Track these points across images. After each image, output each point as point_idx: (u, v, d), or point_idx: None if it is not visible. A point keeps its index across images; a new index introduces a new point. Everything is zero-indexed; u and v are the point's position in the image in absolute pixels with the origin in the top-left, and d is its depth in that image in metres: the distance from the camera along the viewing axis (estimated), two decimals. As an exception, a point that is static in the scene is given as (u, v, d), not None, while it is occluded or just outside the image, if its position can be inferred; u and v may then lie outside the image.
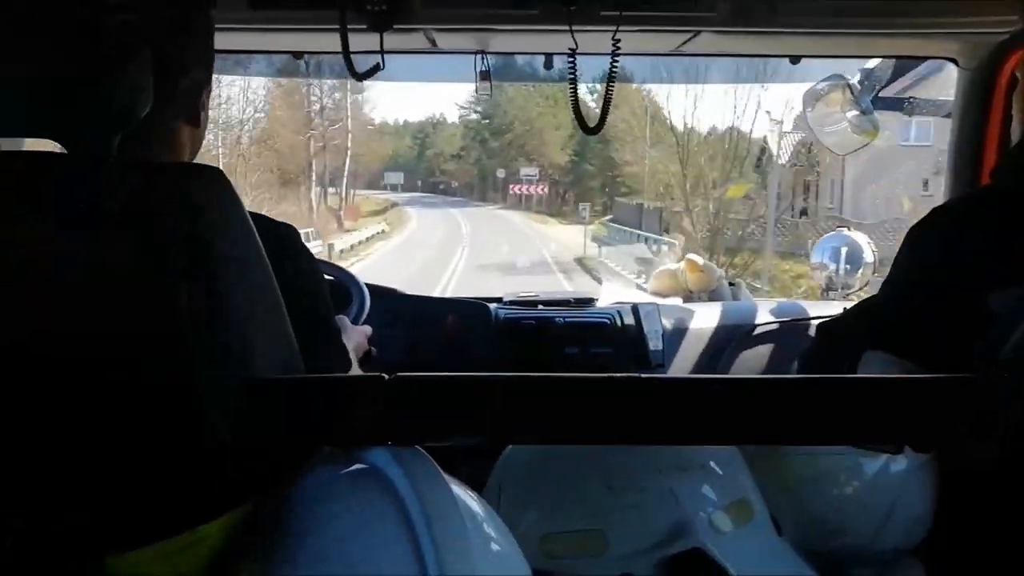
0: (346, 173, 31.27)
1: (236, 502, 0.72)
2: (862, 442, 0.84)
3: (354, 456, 0.73)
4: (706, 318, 2.01)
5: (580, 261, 19.67)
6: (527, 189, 36.52)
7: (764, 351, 1.97)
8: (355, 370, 1.17)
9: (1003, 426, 0.72)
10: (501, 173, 41.28)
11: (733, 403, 0.72)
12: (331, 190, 30.55)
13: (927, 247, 1.09)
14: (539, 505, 0.93)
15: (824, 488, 1.03)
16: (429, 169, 51.65)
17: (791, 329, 1.96)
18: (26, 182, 0.71)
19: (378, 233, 27.40)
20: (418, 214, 35.96)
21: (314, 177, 28.50)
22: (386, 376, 0.71)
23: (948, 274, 1.02)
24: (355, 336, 1.32)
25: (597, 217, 29.95)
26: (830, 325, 1.27)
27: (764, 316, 2.00)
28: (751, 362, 1.96)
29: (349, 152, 31.33)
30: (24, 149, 0.83)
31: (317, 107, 28.45)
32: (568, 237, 26.14)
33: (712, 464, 0.94)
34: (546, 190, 37.01)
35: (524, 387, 0.74)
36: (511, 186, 37.89)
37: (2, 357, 0.67)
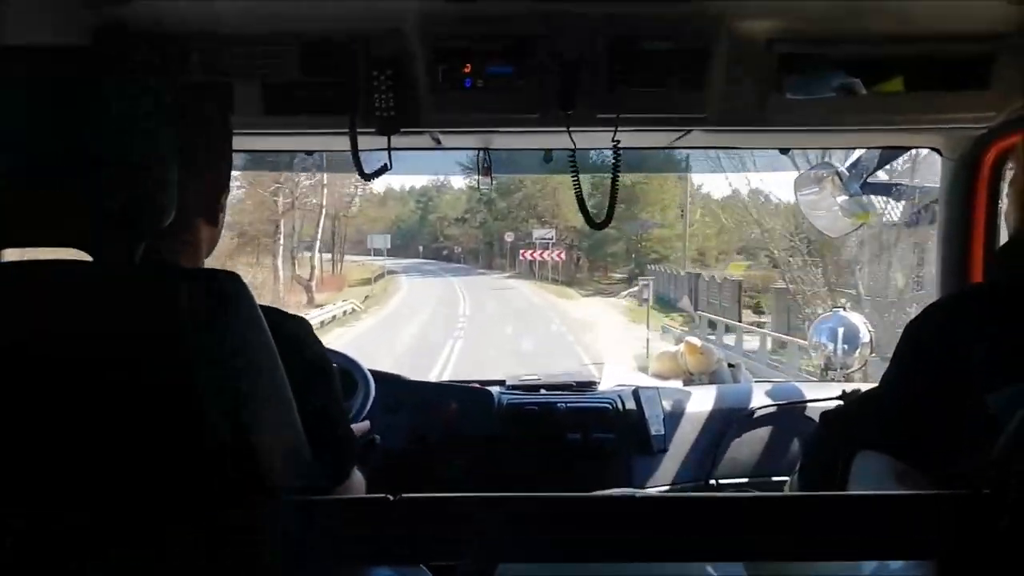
0: (319, 236, 27.08)
1: None
2: (863, 557, 0.85)
3: (360, 573, 0.74)
4: (706, 401, 2.03)
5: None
6: (540, 255, 32.86)
7: (763, 433, 1.97)
8: (356, 475, 1.17)
9: (1002, 537, 0.73)
10: (510, 237, 38.24)
11: (730, 520, 0.73)
12: (310, 254, 27.10)
13: (923, 345, 1.11)
14: None
15: None
16: (432, 234, 49.82)
17: (790, 412, 1.97)
18: (54, 290, 0.73)
19: (347, 312, 21.26)
20: (410, 284, 31.69)
21: (281, 240, 24.39)
22: (391, 497, 0.72)
23: (944, 372, 1.03)
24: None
25: (623, 287, 27.63)
26: (833, 416, 1.29)
27: (763, 399, 2.01)
28: (751, 444, 1.97)
29: (324, 211, 27.33)
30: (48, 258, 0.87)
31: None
32: (602, 316, 20.89)
33: (710, 570, 0.94)
34: (563, 256, 33.21)
35: (528, 506, 0.75)
36: (522, 252, 34.65)
37: (29, 464, 0.69)
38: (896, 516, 0.73)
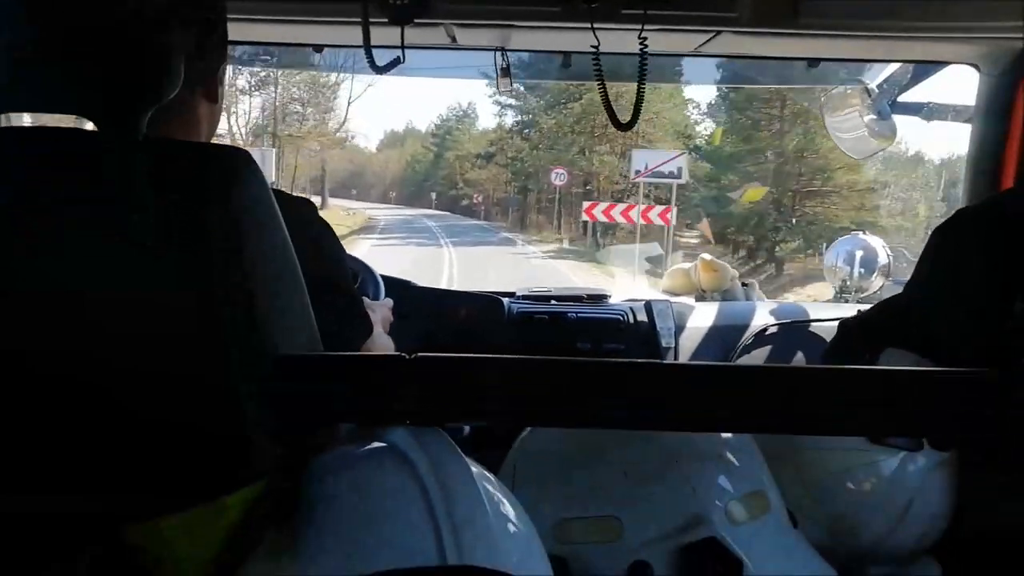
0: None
1: (257, 476, 0.73)
2: (879, 434, 0.84)
3: (375, 434, 0.73)
4: (718, 317, 2.01)
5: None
6: (625, 213, 15.01)
7: (775, 351, 1.96)
8: (384, 339, 1.18)
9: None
10: (561, 178, 22.55)
11: (750, 391, 0.71)
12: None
13: (951, 249, 1.09)
14: (554, 490, 0.93)
15: (841, 484, 1.02)
16: (449, 178, 36.90)
17: (803, 330, 1.96)
18: (58, 158, 0.71)
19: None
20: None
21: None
22: (407, 356, 0.72)
23: (971, 276, 1.02)
24: (380, 310, 1.33)
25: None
26: (852, 321, 1.27)
27: (777, 317, 1.99)
28: (761, 361, 1.96)
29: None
30: (51, 125, 0.84)
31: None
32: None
33: (729, 455, 0.94)
34: (671, 215, 14.06)
35: (543, 370, 0.74)
36: (588, 206, 16.41)
37: (28, 324, 0.68)
38: (917, 396, 0.72)
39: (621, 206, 15.77)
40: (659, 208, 14.99)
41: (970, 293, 1.01)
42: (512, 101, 28.65)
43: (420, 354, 0.72)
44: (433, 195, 38.49)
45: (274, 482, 0.74)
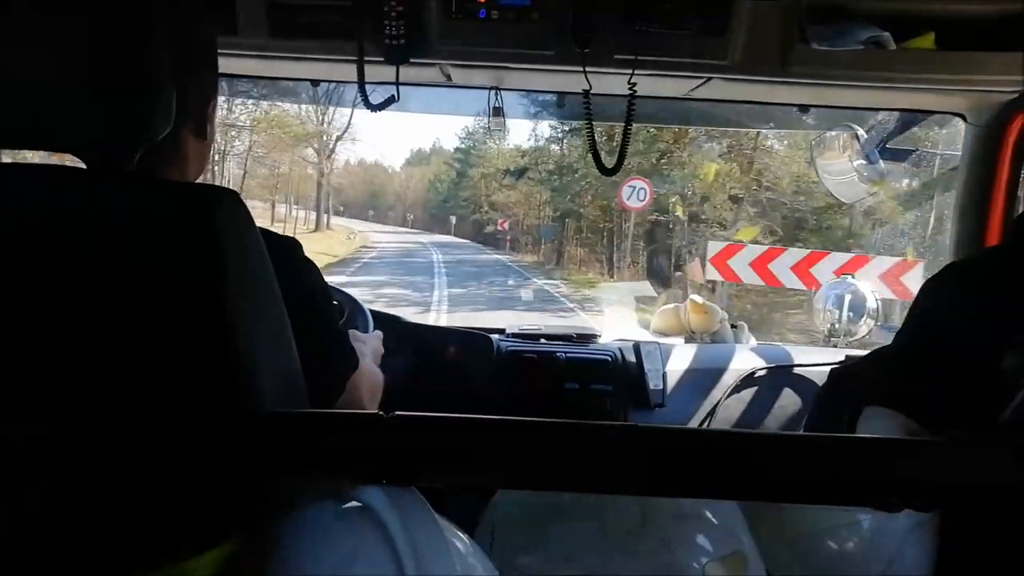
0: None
1: (226, 536, 0.72)
2: (861, 503, 0.83)
3: (348, 493, 0.73)
4: (707, 359, 2.01)
5: None
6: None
7: (763, 394, 1.96)
8: (374, 370, 1.17)
9: (1006, 490, 0.72)
10: (638, 199, 13.52)
11: (730, 457, 0.71)
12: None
13: (939, 303, 1.09)
14: (533, 548, 0.92)
15: (822, 543, 1.01)
16: (473, 199, 30.83)
17: (791, 374, 1.95)
18: (47, 195, 0.71)
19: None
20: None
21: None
22: (384, 414, 0.71)
23: (959, 332, 1.02)
24: (370, 342, 1.33)
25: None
26: (841, 374, 1.27)
27: (765, 360, 1.99)
28: (750, 404, 1.95)
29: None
30: (44, 162, 0.84)
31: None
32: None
33: (708, 515, 0.93)
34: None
35: (520, 432, 0.73)
36: (693, 263, 7.59)
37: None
38: (896, 463, 0.71)
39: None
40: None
41: (958, 348, 1.01)
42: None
43: (396, 412, 0.71)
44: (453, 219, 32.68)
45: (243, 543, 0.73)
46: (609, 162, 1.49)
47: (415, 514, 0.72)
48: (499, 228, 26.79)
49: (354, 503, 0.72)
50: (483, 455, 0.72)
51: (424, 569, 0.68)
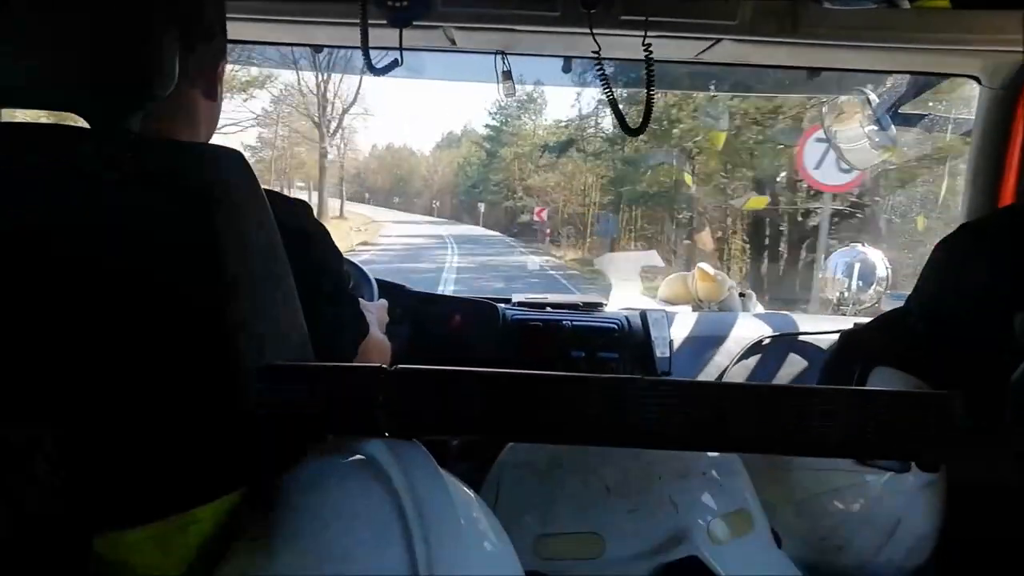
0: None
1: (231, 486, 0.72)
2: (866, 456, 0.83)
3: (351, 446, 0.72)
4: (714, 327, 2.00)
5: None
6: None
7: (770, 363, 1.95)
8: (381, 338, 1.17)
9: (1011, 446, 0.71)
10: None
11: (736, 410, 0.70)
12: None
13: (951, 265, 1.08)
14: (536, 506, 0.92)
15: (829, 503, 1.01)
16: (505, 184, 26.37)
17: (799, 342, 1.94)
18: (52, 154, 0.71)
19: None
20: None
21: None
22: (387, 367, 0.71)
23: (971, 293, 1.01)
24: (375, 311, 1.33)
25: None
26: (851, 334, 1.26)
27: (773, 328, 1.98)
28: (757, 373, 1.95)
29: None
30: (46, 122, 0.83)
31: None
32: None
33: (713, 473, 0.93)
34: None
35: (526, 385, 0.73)
36: None
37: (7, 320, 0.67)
38: (904, 417, 0.70)
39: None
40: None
41: (971, 309, 1.00)
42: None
43: (399, 366, 0.71)
44: (481, 207, 28.28)
45: (248, 493, 0.73)
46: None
47: (419, 468, 0.72)
48: (536, 218, 21.62)
49: (357, 456, 0.72)
50: (485, 407, 0.71)
51: (428, 522, 0.68)
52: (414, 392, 0.73)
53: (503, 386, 0.72)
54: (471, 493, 0.78)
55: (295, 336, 0.81)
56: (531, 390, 0.72)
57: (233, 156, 0.74)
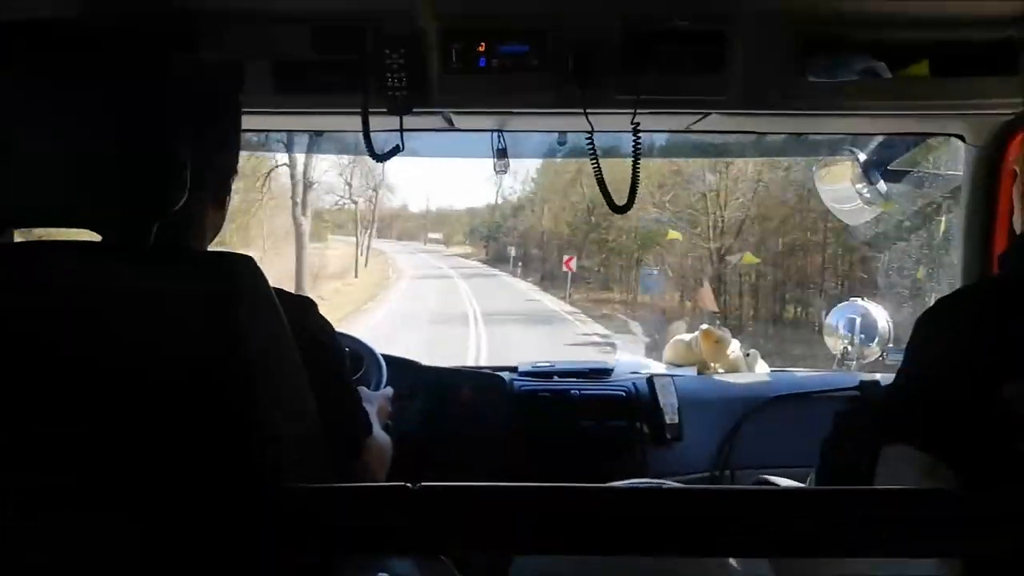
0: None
1: None
2: (889, 554, 0.82)
3: (378, 566, 0.72)
4: (721, 390, 2.00)
5: None
6: None
7: (779, 423, 1.94)
8: (381, 436, 1.18)
9: None
10: None
11: (758, 515, 0.70)
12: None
13: (936, 338, 1.08)
14: None
15: None
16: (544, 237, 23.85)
17: (806, 401, 1.94)
18: (66, 271, 0.72)
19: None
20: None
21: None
22: (411, 485, 0.71)
23: (958, 365, 1.01)
24: (376, 402, 1.34)
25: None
26: (846, 416, 1.26)
27: (779, 388, 1.98)
28: (766, 434, 1.94)
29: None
30: (59, 239, 0.85)
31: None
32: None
33: (732, 562, 0.92)
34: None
35: (546, 498, 0.73)
36: None
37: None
38: (921, 512, 0.71)
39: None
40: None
41: (956, 382, 1.00)
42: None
43: (422, 484, 0.71)
44: (511, 251, 25.24)
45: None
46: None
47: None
48: (565, 267, 19.98)
49: (383, 574, 0.72)
50: (512, 523, 0.71)
51: None
52: (438, 509, 0.73)
53: (524, 500, 0.72)
54: None
55: (309, 438, 0.81)
56: (551, 503, 0.72)
57: (244, 262, 0.76)
